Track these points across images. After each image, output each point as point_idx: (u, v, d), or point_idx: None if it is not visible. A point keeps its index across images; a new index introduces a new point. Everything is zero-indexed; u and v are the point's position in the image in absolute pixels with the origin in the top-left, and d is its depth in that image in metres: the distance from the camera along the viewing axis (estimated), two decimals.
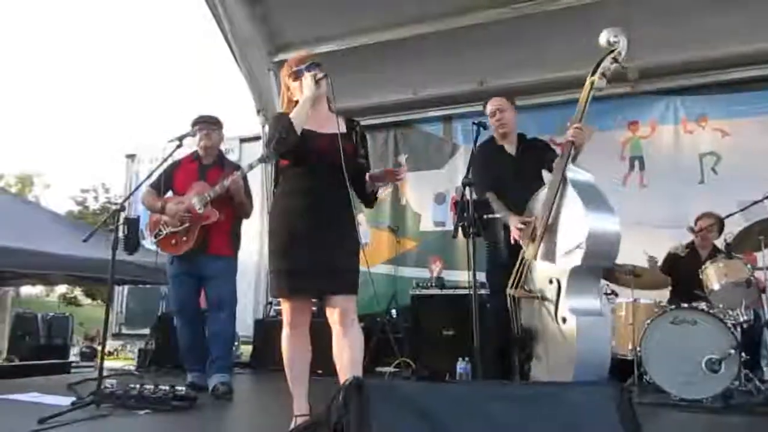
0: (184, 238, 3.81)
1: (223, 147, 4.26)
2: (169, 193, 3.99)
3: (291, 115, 2.43)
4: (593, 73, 2.78)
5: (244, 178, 3.86)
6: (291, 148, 2.41)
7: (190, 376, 3.95)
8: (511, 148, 3.50)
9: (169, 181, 3.99)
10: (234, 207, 3.89)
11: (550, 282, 2.66)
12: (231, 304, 3.94)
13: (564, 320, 2.51)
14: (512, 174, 3.34)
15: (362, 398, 1.27)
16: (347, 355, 2.36)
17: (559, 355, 2.53)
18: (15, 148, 41.43)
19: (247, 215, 4.05)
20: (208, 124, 4.03)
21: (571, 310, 2.51)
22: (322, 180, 2.44)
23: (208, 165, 4.01)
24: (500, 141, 3.54)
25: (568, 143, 2.80)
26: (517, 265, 2.93)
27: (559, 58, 5.44)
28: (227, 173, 3.77)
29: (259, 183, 6.60)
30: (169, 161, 3.94)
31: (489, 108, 3.53)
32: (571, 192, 2.63)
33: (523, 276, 2.90)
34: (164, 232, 3.85)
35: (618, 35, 2.70)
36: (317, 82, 2.47)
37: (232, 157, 6.43)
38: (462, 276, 5.51)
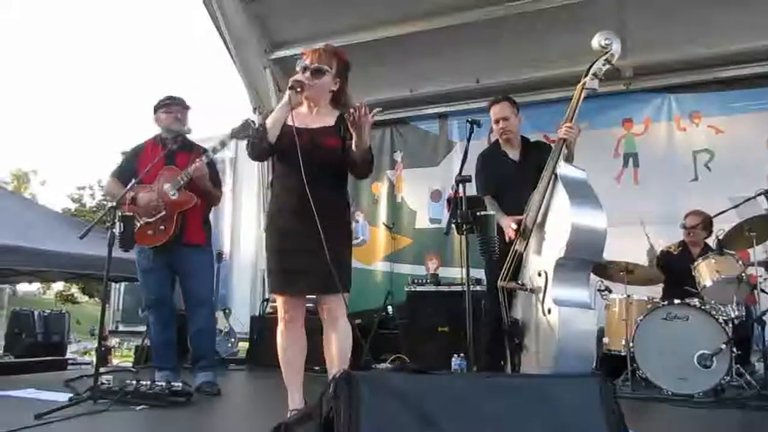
0: (162, 227, 3.58)
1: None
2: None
3: (267, 121, 2.51)
4: (586, 75, 2.83)
5: (212, 165, 3.69)
6: (263, 153, 2.50)
7: (159, 375, 3.62)
8: (514, 153, 3.56)
9: (131, 166, 3.71)
10: (204, 194, 3.68)
11: (539, 275, 2.70)
12: (210, 300, 3.80)
13: (549, 311, 2.54)
14: (514, 179, 3.39)
15: (352, 389, 1.30)
16: (335, 347, 2.43)
17: (546, 347, 2.55)
18: (11, 145, 41.33)
19: (215, 203, 3.85)
20: (181, 107, 3.80)
21: (555, 300, 2.53)
22: (311, 177, 2.37)
23: (174, 149, 3.70)
24: (503, 146, 3.59)
25: (560, 141, 2.84)
26: (508, 258, 2.97)
27: (554, 55, 5.45)
28: (195, 156, 3.57)
29: (256, 180, 6.65)
30: (132, 146, 3.77)
31: (492, 115, 3.56)
32: (560, 188, 2.67)
33: (512, 269, 2.94)
34: (139, 224, 3.59)
35: (610, 38, 2.75)
36: (291, 89, 2.44)
37: (228, 153, 6.40)
38: (459, 273, 5.53)
